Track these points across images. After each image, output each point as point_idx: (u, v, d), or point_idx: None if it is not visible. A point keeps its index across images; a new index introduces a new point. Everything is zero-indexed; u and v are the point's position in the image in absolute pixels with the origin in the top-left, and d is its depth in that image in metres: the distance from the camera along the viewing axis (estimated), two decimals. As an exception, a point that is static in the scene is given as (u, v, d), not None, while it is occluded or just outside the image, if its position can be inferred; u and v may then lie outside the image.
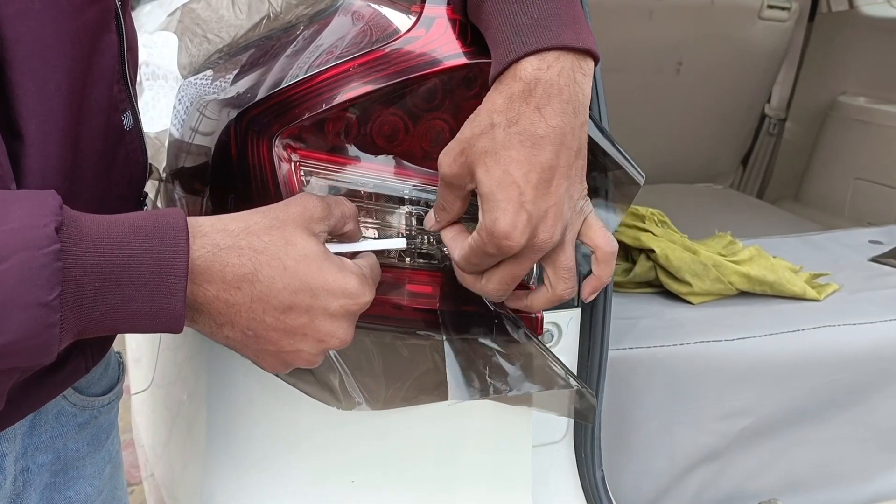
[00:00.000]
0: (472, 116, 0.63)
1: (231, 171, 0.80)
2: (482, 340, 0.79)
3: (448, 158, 0.64)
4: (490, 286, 0.67)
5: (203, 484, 0.99)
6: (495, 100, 0.61)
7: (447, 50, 0.74)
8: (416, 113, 0.76)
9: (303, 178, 0.76)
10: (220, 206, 0.84)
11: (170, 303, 0.52)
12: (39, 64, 0.56)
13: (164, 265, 0.52)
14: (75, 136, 0.60)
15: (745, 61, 2.45)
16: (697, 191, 2.51)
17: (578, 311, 0.95)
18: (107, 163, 0.67)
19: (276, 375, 0.83)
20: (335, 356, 0.82)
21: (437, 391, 0.85)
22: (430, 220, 0.70)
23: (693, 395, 1.12)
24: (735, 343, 1.13)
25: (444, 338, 0.78)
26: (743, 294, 1.30)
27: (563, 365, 0.79)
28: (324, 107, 0.76)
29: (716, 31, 2.32)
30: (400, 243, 0.71)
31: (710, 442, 1.16)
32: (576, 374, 0.94)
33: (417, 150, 0.76)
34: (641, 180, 0.77)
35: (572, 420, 0.99)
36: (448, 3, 0.72)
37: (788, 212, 2.40)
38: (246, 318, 0.56)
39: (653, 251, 1.24)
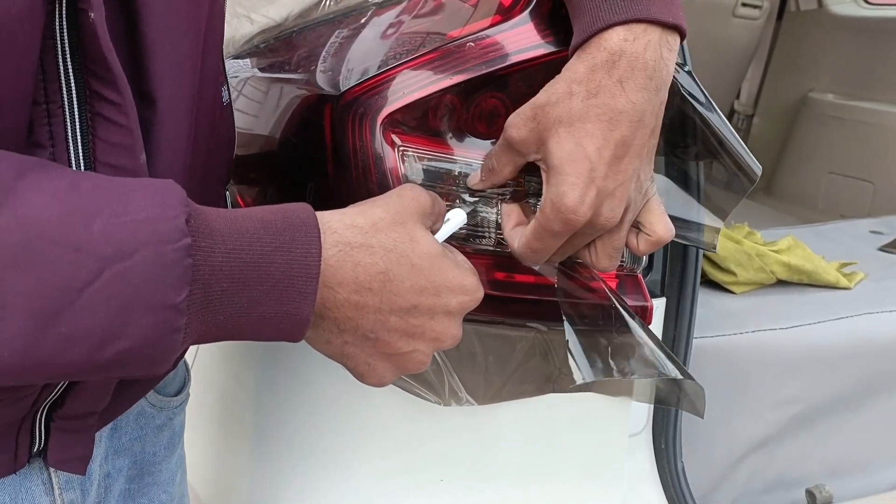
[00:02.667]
0: (549, 84, 0.60)
1: (318, 157, 0.76)
2: (598, 327, 0.77)
3: (518, 121, 0.61)
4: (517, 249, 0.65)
5: (260, 489, 0.94)
6: (577, 68, 0.58)
7: (563, 33, 0.72)
8: (517, 97, 0.74)
9: (406, 163, 0.73)
10: (295, 195, 0.80)
11: (298, 307, 0.48)
12: (175, 22, 0.51)
13: (295, 265, 0.48)
14: (198, 106, 0.56)
15: (720, 58, 2.50)
16: (674, 185, 2.54)
17: (664, 300, 0.94)
18: (213, 138, 0.63)
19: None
20: (439, 353, 0.79)
21: (541, 384, 0.83)
22: (475, 178, 0.67)
23: (751, 384, 1.13)
24: (789, 331, 1.15)
25: (564, 322, 0.76)
26: (779, 283, 1.32)
27: (674, 356, 0.78)
28: (434, 89, 0.73)
29: (693, 28, 2.35)
30: (460, 216, 0.65)
31: (764, 430, 1.17)
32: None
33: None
34: (758, 173, 0.76)
35: (652, 410, 0.98)
36: None
37: (762, 205, 2.46)
38: (372, 320, 0.53)
39: (696, 241, 1.24)
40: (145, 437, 0.71)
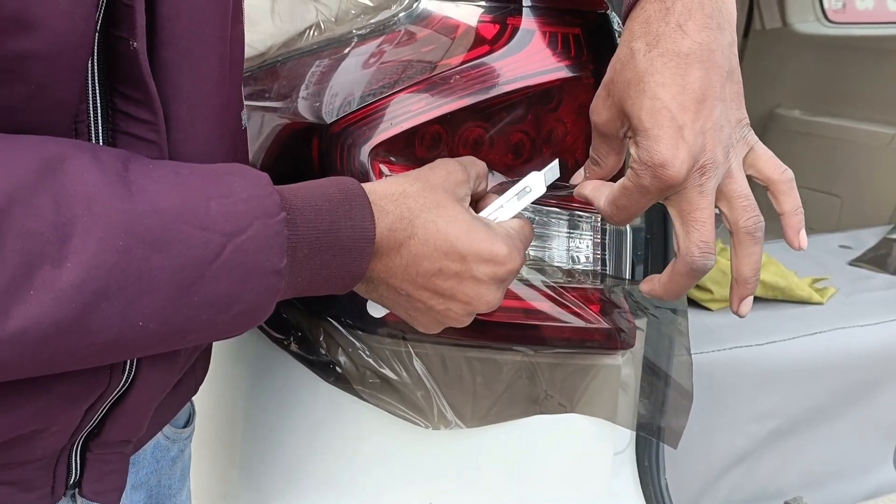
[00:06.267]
0: (612, 58, 0.58)
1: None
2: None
3: (597, 105, 0.59)
4: (688, 257, 0.56)
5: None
6: (632, 28, 0.56)
7: (548, 64, 0.74)
8: (501, 126, 0.76)
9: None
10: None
11: (359, 266, 0.54)
12: (196, 43, 0.53)
13: (357, 230, 0.53)
14: (221, 131, 0.58)
15: (688, 75, 2.53)
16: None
17: (644, 320, 0.95)
18: (232, 161, 0.63)
19: (360, 397, 0.81)
20: (427, 377, 0.80)
21: (528, 406, 0.84)
22: (579, 177, 0.65)
23: (730, 399, 1.15)
24: (766, 347, 1.17)
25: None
26: (753, 300, 1.34)
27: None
28: (421, 120, 0.75)
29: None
30: (538, 186, 0.63)
31: (743, 444, 1.19)
32: (643, 383, 0.95)
33: (497, 160, 0.76)
34: None
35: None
36: (539, 16, 0.73)
37: (732, 219, 2.49)
38: (400, 279, 0.57)
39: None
40: (161, 471, 0.72)
